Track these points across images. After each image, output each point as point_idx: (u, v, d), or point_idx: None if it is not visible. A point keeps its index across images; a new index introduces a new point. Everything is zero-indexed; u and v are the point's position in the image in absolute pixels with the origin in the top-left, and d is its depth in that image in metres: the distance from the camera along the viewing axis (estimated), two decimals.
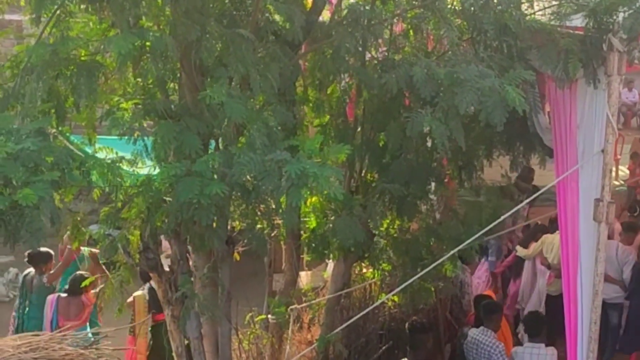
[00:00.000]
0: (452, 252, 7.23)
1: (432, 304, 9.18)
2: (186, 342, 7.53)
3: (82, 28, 6.33)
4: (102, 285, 9.40)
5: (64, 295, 9.88)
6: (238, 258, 7.71)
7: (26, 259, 10.47)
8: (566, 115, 6.89)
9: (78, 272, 10.06)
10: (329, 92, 7.83)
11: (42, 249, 10.00)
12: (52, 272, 10.53)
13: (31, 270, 10.48)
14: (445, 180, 8.60)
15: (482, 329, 8.51)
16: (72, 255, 10.72)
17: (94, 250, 10.52)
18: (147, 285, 9.69)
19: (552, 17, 6.70)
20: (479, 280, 11.46)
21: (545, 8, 7.01)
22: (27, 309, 10.27)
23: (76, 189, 6.29)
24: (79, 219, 7.37)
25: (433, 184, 8.29)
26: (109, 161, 6.15)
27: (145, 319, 9.64)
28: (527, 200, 8.52)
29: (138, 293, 9.75)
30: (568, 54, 6.41)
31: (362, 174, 8.04)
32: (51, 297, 9.91)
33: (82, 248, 10.48)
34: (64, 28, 5.93)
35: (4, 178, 5.14)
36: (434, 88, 6.09)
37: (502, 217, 7.65)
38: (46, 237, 5.26)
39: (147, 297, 9.68)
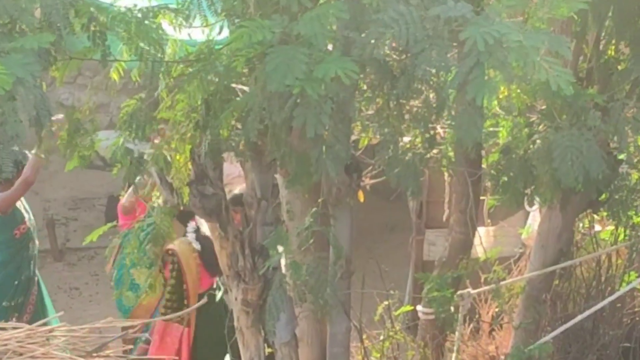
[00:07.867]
0: None
1: None
2: (268, 350, 7.83)
3: None
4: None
5: None
6: (362, 199, 7.91)
7: None
8: None
9: None
10: None
11: None
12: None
13: None
14: None
15: None
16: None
17: None
18: (192, 227, 10.32)
19: None
20: None
21: None
22: None
23: (79, 64, 6.50)
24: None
25: None
26: (139, 15, 6.22)
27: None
28: None
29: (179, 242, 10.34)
30: None
31: (601, 48, 8.00)
32: None
33: None
34: None
35: None
36: None
37: None
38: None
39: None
